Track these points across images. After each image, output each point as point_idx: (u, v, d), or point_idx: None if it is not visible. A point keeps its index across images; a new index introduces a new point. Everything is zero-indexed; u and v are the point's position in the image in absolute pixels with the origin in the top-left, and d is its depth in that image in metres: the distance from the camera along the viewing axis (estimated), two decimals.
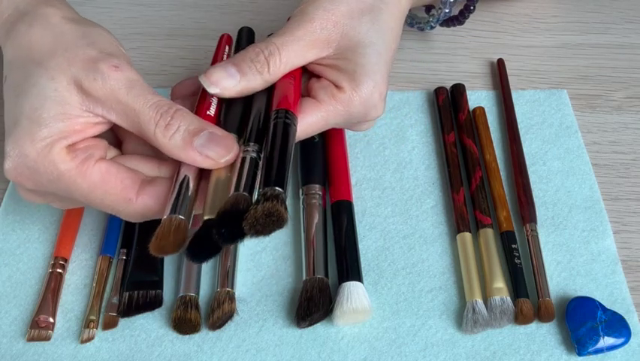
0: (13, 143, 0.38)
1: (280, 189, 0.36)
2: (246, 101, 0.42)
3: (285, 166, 0.37)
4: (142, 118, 0.38)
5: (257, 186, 0.37)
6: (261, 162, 0.38)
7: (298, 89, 0.43)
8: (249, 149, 0.39)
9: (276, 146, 0.38)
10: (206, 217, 0.36)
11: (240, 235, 0.35)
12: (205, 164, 0.38)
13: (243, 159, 0.38)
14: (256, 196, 0.36)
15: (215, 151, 0.38)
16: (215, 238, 0.35)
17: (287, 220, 0.35)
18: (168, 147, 0.38)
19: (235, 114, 0.42)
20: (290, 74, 0.43)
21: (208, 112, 0.41)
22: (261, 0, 0.64)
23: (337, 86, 0.42)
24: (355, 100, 0.42)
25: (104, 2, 0.64)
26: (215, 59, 0.48)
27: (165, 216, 0.36)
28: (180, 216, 0.36)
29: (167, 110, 0.38)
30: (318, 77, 0.44)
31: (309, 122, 0.42)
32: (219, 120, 0.42)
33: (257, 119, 0.41)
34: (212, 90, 0.41)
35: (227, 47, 0.49)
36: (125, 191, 0.38)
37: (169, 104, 0.39)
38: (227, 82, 0.41)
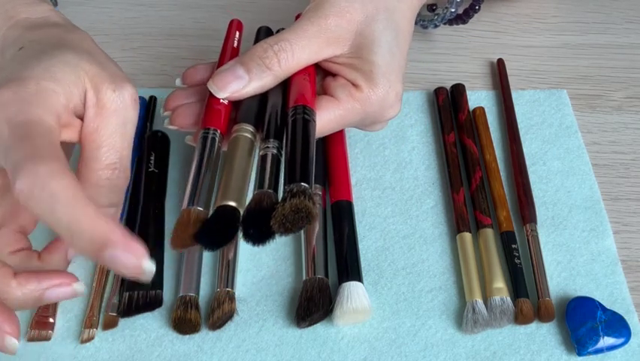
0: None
1: (306, 185, 0.35)
2: (261, 94, 0.42)
3: (309, 162, 0.37)
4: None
5: (281, 182, 0.36)
6: (282, 159, 0.38)
7: (314, 86, 0.42)
8: (269, 145, 0.38)
9: (298, 142, 0.38)
10: (219, 204, 0.35)
11: (269, 234, 0.35)
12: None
13: (265, 156, 0.38)
14: (282, 193, 0.35)
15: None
16: (245, 240, 0.35)
17: (316, 215, 0.35)
18: None
19: (250, 107, 0.41)
20: (304, 71, 0.42)
21: (222, 101, 0.41)
22: (261, 0, 0.64)
23: (354, 85, 0.42)
24: (372, 99, 0.42)
25: (104, 2, 0.64)
26: (225, 47, 0.47)
27: (183, 208, 0.35)
28: (199, 208, 0.35)
29: None
30: (334, 75, 0.43)
31: (326, 120, 0.41)
32: (234, 111, 0.41)
33: (274, 114, 0.40)
34: (220, 95, 0.40)
35: (237, 33, 0.48)
36: None
37: None
38: (236, 85, 0.40)
